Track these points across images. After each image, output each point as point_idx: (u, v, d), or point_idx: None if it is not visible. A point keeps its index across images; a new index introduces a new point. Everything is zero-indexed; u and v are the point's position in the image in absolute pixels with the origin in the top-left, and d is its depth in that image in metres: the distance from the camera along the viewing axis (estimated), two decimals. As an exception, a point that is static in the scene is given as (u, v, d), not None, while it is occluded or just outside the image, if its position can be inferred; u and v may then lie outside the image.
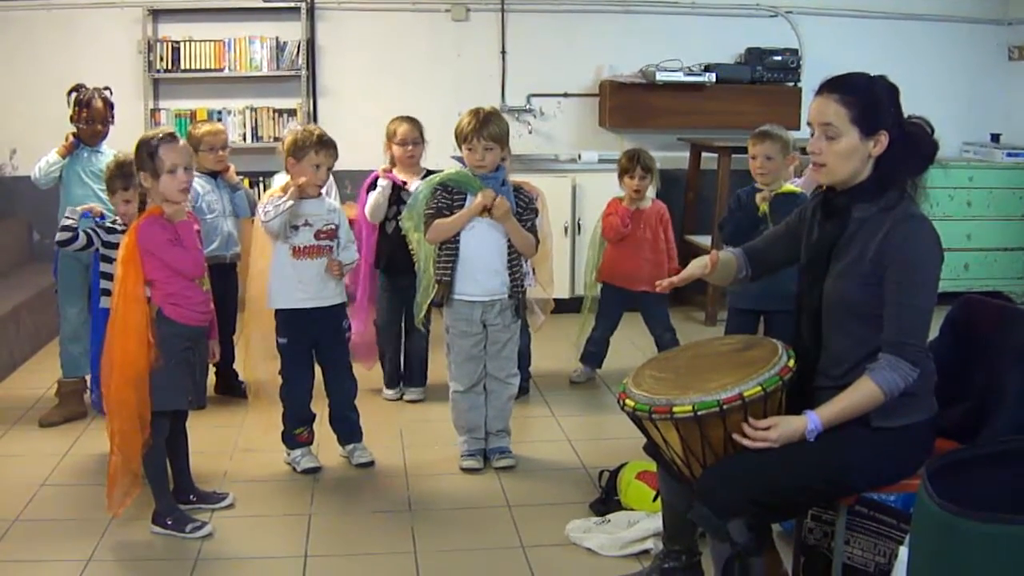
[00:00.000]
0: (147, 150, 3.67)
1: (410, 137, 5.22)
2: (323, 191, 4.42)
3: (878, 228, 2.78)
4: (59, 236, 4.38)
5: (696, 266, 3.22)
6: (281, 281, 4.32)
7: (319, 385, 4.49)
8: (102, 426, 3.83)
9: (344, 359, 4.51)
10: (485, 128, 4.24)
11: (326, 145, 4.28)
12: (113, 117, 5.14)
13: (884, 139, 2.79)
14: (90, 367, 4.58)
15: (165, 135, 3.72)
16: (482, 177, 4.30)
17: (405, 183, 5.16)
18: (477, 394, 4.46)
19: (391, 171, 5.20)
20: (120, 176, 4.26)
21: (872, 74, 2.87)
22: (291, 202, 4.18)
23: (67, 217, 4.41)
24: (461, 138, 4.30)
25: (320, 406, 4.52)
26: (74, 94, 5.07)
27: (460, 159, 4.44)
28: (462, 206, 4.29)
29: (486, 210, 4.25)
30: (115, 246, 4.03)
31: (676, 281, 3.24)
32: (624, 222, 5.52)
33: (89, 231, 4.34)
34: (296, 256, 4.29)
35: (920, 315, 2.74)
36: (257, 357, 4.56)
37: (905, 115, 2.86)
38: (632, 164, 5.53)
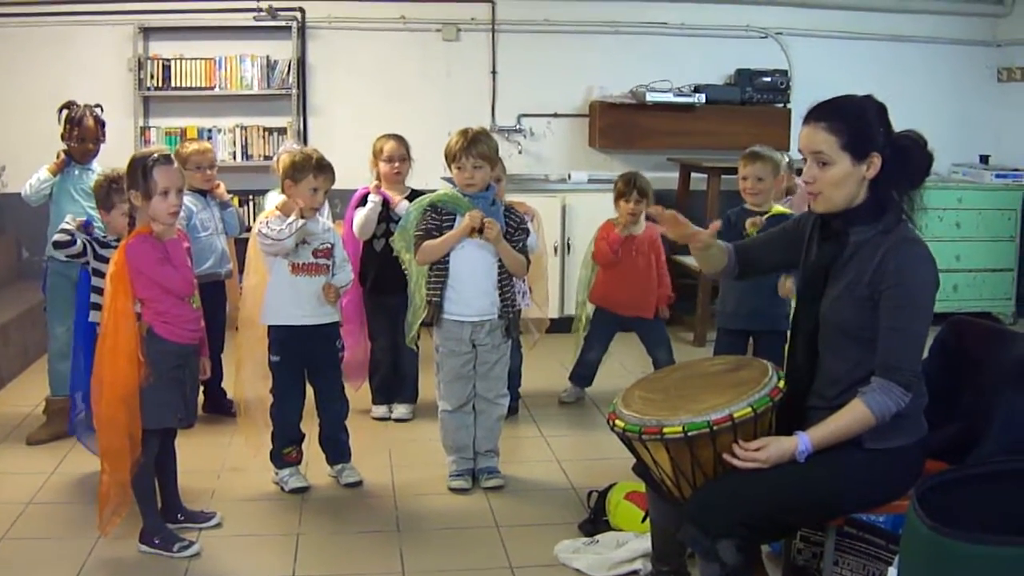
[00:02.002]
0: (141, 170, 3.66)
1: (396, 154, 5.22)
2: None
3: (875, 251, 2.77)
4: (57, 237, 4.37)
5: (699, 229, 3.09)
6: (278, 298, 4.31)
7: (309, 404, 4.48)
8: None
9: (337, 379, 4.50)
10: (474, 147, 4.25)
11: (324, 169, 4.28)
12: (104, 135, 5.13)
13: (877, 161, 2.78)
14: (70, 385, 4.46)
15: (161, 156, 3.70)
16: (471, 197, 4.30)
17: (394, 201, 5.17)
18: (466, 414, 4.45)
19: (381, 188, 5.20)
20: (118, 191, 4.21)
21: (858, 95, 2.86)
22: (302, 221, 4.19)
23: (66, 223, 4.41)
24: (450, 157, 4.31)
25: (308, 425, 4.50)
26: (65, 111, 5.06)
27: (451, 180, 4.44)
28: (451, 227, 4.28)
29: (476, 231, 4.26)
30: (107, 260, 4.01)
31: (680, 217, 3.09)
32: (613, 249, 5.49)
33: (85, 241, 4.35)
34: (295, 273, 4.29)
35: (914, 339, 2.73)
36: (249, 376, 4.54)
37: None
38: (628, 188, 5.49)
